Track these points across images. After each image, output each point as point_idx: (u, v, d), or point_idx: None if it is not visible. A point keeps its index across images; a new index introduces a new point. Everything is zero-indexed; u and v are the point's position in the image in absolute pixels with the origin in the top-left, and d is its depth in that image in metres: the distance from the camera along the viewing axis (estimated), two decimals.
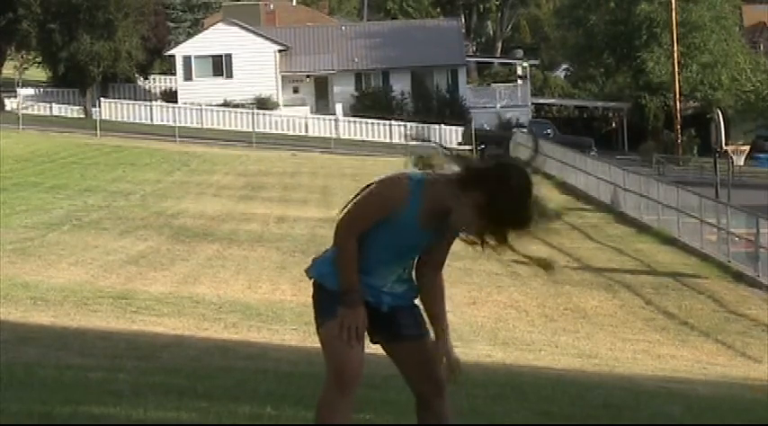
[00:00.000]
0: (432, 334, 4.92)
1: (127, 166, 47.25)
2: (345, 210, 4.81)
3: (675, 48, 70.19)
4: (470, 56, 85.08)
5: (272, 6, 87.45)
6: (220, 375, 9.01)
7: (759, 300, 24.01)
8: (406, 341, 4.88)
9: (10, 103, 72.89)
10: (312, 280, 4.88)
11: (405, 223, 4.73)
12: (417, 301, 4.96)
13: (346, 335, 4.70)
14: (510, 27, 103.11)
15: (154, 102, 75.02)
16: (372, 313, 4.81)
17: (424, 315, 4.95)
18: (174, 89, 76.55)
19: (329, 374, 4.75)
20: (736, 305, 23.37)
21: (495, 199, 4.60)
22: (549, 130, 66.75)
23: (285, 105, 73.65)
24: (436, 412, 4.89)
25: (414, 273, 4.93)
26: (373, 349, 4.91)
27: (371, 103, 72.62)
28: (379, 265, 4.81)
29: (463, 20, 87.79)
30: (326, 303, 4.81)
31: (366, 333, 4.83)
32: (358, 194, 4.81)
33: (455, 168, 4.70)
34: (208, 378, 8.62)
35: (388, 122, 69.86)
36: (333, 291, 4.78)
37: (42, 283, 18.70)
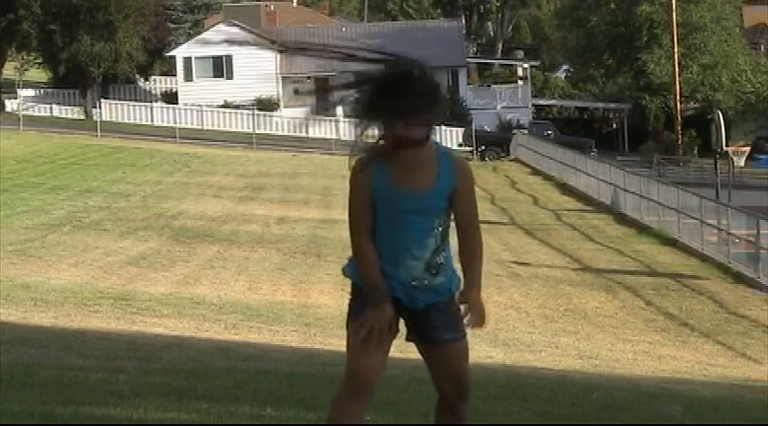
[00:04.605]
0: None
1: (127, 167, 47.27)
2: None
3: (676, 50, 70.19)
4: (471, 57, 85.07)
5: (272, 7, 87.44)
6: (221, 375, 9.01)
7: (759, 301, 24.01)
8: (437, 345, 4.83)
9: (10, 104, 72.92)
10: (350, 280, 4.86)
11: (383, 190, 4.70)
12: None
13: (371, 337, 4.65)
14: (510, 28, 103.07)
15: (154, 103, 75.07)
16: (407, 311, 4.77)
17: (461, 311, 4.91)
18: (174, 90, 76.60)
19: (346, 378, 4.72)
20: (737, 306, 23.37)
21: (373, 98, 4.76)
22: (549, 131, 66.78)
23: (286, 106, 73.66)
24: (456, 414, 4.86)
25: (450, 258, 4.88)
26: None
27: None
28: (399, 253, 4.74)
29: (464, 21, 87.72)
30: (356, 303, 4.77)
31: (403, 329, 4.81)
32: None
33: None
34: (208, 379, 8.62)
35: None
36: (363, 291, 4.76)
37: (43, 284, 18.71)
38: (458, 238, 4.85)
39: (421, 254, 4.76)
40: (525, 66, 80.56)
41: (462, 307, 4.82)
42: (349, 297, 4.84)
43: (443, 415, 4.88)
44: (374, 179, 4.70)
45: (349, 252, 4.84)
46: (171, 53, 76.21)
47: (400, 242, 4.74)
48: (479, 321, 4.83)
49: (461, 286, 4.86)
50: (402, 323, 4.83)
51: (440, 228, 4.78)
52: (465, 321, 4.83)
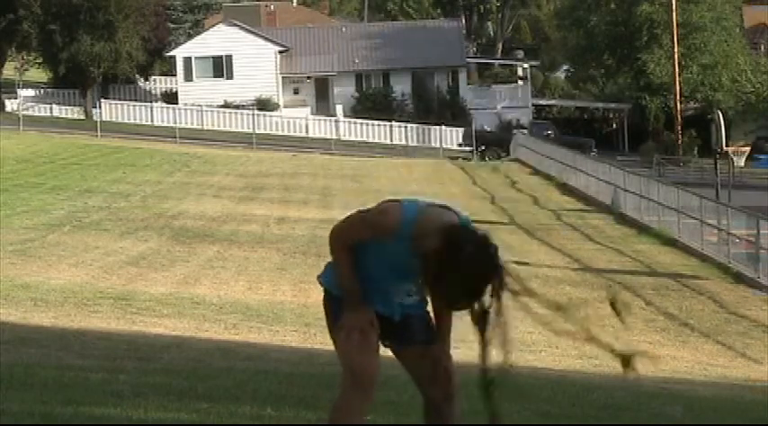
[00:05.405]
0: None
1: (127, 167, 47.27)
2: (341, 221, 4.91)
3: (676, 50, 70.20)
4: (471, 57, 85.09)
5: (272, 7, 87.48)
6: (221, 376, 9.01)
7: (759, 301, 23.99)
8: (417, 346, 4.92)
9: (10, 104, 72.97)
10: (323, 287, 4.93)
11: (397, 251, 4.78)
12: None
13: (354, 338, 4.70)
14: (510, 28, 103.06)
15: (154, 103, 75.10)
16: (384, 322, 4.83)
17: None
18: (174, 90, 76.61)
19: (347, 378, 4.74)
20: (737, 306, 23.35)
21: (443, 262, 4.63)
22: (549, 131, 66.79)
23: (286, 106, 73.68)
24: (444, 416, 4.90)
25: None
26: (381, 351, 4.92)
27: (372, 104, 72.65)
28: (384, 282, 4.85)
29: (464, 21, 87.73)
30: (333, 309, 4.85)
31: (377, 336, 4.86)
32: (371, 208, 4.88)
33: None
34: (208, 379, 8.62)
35: (388, 123, 69.88)
36: (340, 298, 4.84)
37: (43, 284, 18.70)
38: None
39: (407, 288, 4.94)
40: (525, 66, 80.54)
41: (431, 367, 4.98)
42: (323, 302, 4.93)
43: (432, 418, 4.91)
44: (393, 242, 4.78)
45: None
46: (171, 53, 76.23)
47: (393, 280, 4.91)
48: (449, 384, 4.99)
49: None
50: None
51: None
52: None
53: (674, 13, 70.43)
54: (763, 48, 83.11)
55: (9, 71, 78.12)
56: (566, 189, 46.93)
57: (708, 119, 53.21)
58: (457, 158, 61.70)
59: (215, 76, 74.07)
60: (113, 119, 70.18)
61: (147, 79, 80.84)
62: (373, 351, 4.76)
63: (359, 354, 4.72)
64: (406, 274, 4.85)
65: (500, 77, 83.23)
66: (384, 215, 4.79)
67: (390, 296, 4.87)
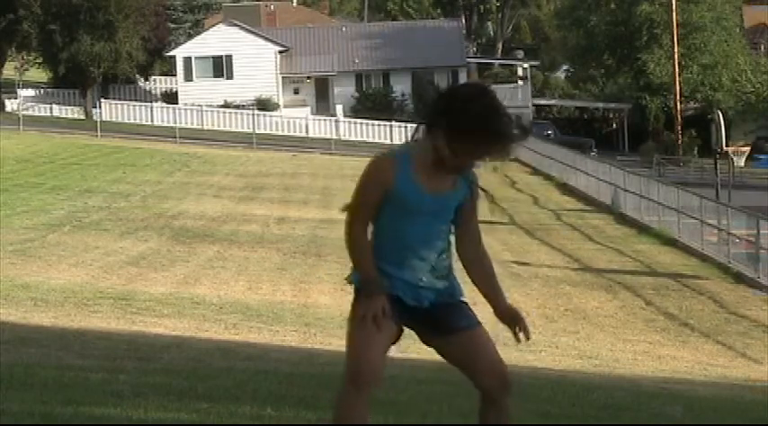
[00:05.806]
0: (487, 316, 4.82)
1: (127, 167, 47.28)
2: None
3: (676, 49, 70.21)
4: (471, 57, 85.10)
5: (272, 7, 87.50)
6: (221, 376, 9.01)
7: (759, 301, 24.00)
8: (459, 333, 4.69)
9: (10, 104, 72.97)
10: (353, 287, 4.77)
11: (406, 190, 4.63)
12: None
13: (365, 324, 4.57)
14: (510, 28, 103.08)
15: (154, 103, 75.10)
16: (414, 312, 4.72)
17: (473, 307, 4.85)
18: (174, 90, 76.63)
19: (346, 370, 4.66)
20: (737, 306, 23.36)
21: (458, 125, 4.68)
22: (549, 131, 66.78)
23: (286, 106, 73.69)
24: (501, 409, 4.75)
25: (452, 263, 4.81)
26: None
27: (372, 104, 72.66)
28: (406, 253, 4.65)
29: (464, 20, 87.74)
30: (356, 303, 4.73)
31: (417, 335, 4.76)
32: None
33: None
34: (208, 379, 8.62)
35: (388, 123, 69.88)
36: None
37: (43, 284, 18.71)
38: (465, 255, 4.80)
39: (427, 255, 4.69)
40: (525, 66, 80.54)
41: (504, 325, 4.75)
42: (352, 302, 4.80)
43: (487, 414, 4.77)
44: (396, 178, 4.65)
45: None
46: (171, 53, 76.25)
47: (408, 242, 4.66)
48: (528, 331, 4.78)
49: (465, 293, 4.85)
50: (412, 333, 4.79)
51: (447, 232, 4.75)
52: (521, 337, 4.79)
53: (674, 13, 70.44)
54: (763, 48, 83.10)
55: (9, 71, 78.12)
56: (566, 189, 46.95)
57: (708, 119, 53.23)
58: None
59: (215, 76, 74.09)
60: (113, 119, 70.19)
61: (147, 79, 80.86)
62: (380, 347, 4.63)
63: (361, 349, 4.61)
64: (428, 225, 4.66)
65: (500, 77, 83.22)
66: (376, 159, 4.73)
67: (415, 275, 4.70)
